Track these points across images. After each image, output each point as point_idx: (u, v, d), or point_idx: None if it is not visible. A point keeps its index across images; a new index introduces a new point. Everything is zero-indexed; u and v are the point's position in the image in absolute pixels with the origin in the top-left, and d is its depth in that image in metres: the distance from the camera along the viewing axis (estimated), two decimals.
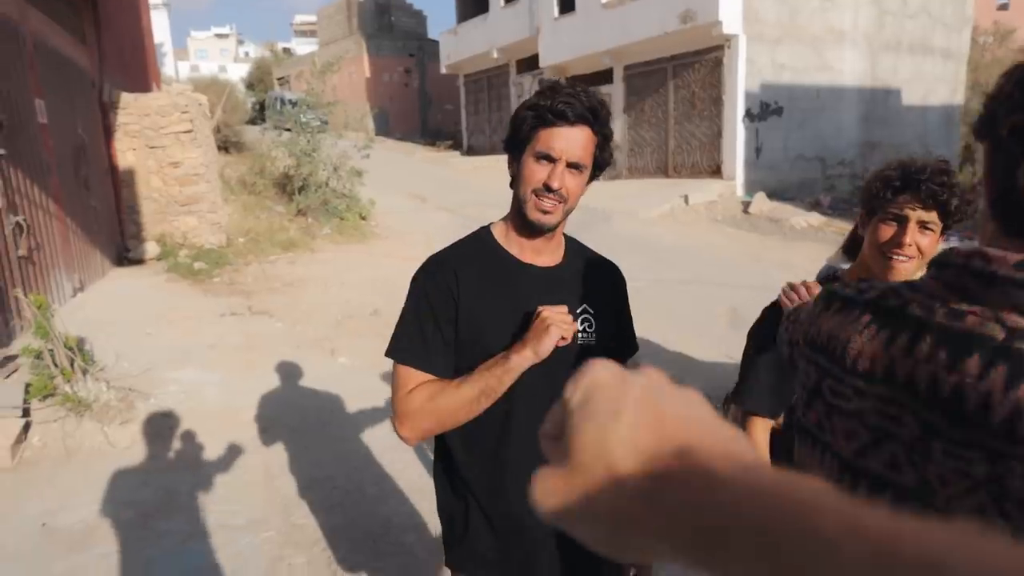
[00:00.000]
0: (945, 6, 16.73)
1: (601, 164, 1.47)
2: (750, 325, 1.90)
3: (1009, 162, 0.70)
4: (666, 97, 15.72)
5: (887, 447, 0.75)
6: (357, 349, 5.88)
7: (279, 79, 38.35)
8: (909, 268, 1.56)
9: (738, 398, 1.82)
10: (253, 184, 12.23)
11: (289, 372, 5.33)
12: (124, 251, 8.86)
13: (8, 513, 3.38)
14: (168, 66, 25.13)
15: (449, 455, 1.53)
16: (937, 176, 1.51)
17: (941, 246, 1.32)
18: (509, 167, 1.50)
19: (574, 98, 1.37)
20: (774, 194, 13.54)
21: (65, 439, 3.97)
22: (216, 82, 21.99)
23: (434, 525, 3.21)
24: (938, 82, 17.00)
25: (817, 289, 1.73)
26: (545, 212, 1.42)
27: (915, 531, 0.31)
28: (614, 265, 1.66)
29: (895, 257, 1.56)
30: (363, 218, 11.93)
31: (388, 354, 1.47)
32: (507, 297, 1.46)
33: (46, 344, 4.14)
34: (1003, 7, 33.97)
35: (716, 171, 14.74)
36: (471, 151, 23.95)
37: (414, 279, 1.49)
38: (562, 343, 1.36)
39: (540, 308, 1.38)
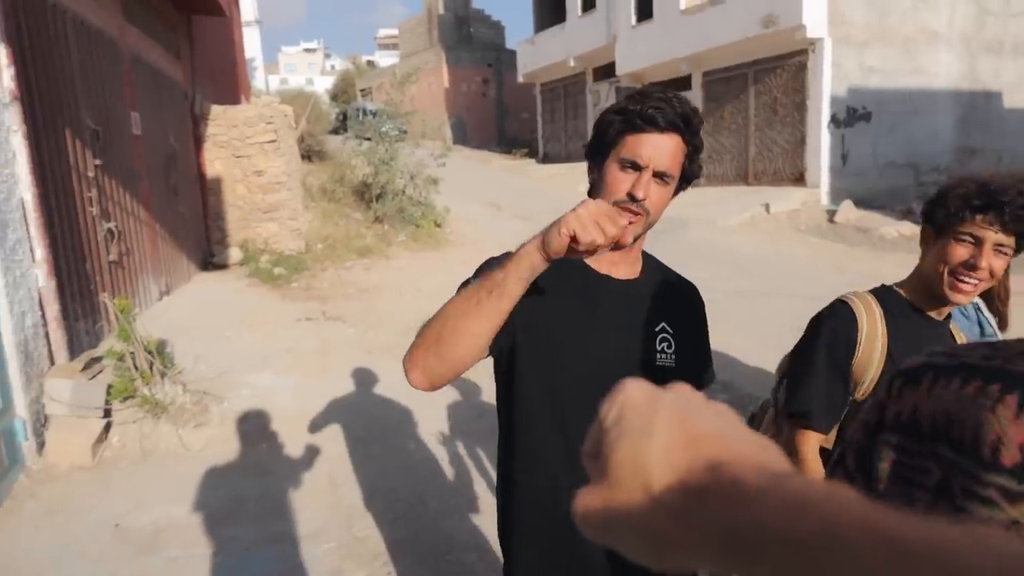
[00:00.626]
0: None
1: (689, 176, 1.36)
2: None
3: None
4: (746, 103, 15.40)
5: None
6: None
7: (362, 90, 39.52)
8: (976, 291, 1.50)
9: (796, 411, 1.66)
10: (333, 192, 12.56)
11: (360, 378, 5.35)
12: (209, 256, 9.21)
13: (85, 511, 3.49)
14: (259, 79, 26.24)
15: (511, 478, 1.44)
16: (1021, 198, 1.40)
17: None
18: (589, 173, 1.40)
19: (666, 104, 1.27)
20: (862, 202, 12.92)
21: (142, 440, 4.09)
22: (302, 94, 22.81)
23: (496, 546, 3.10)
24: None
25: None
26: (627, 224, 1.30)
27: (930, 529, 0.32)
28: (694, 286, 1.55)
29: (966, 280, 1.48)
30: (438, 225, 12.04)
31: None
32: (584, 308, 1.37)
33: (127, 347, 4.29)
34: None
35: (799, 179, 14.28)
36: (547, 159, 24.01)
37: None
38: (577, 248, 1.10)
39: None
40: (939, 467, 0.65)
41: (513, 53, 28.44)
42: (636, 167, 1.29)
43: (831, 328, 1.63)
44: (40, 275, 4.16)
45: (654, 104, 1.26)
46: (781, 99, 14.55)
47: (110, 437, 4.11)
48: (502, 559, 1.51)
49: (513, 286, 1.13)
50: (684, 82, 16.70)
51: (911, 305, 1.62)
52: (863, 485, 0.74)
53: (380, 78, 35.66)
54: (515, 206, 14.96)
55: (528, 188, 17.91)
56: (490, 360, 1.38)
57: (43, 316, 4.13)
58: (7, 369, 3.72)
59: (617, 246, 1.22)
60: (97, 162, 5.56)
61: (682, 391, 0.44)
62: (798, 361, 1.72)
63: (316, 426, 4.51)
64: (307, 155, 15.16)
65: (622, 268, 1.42)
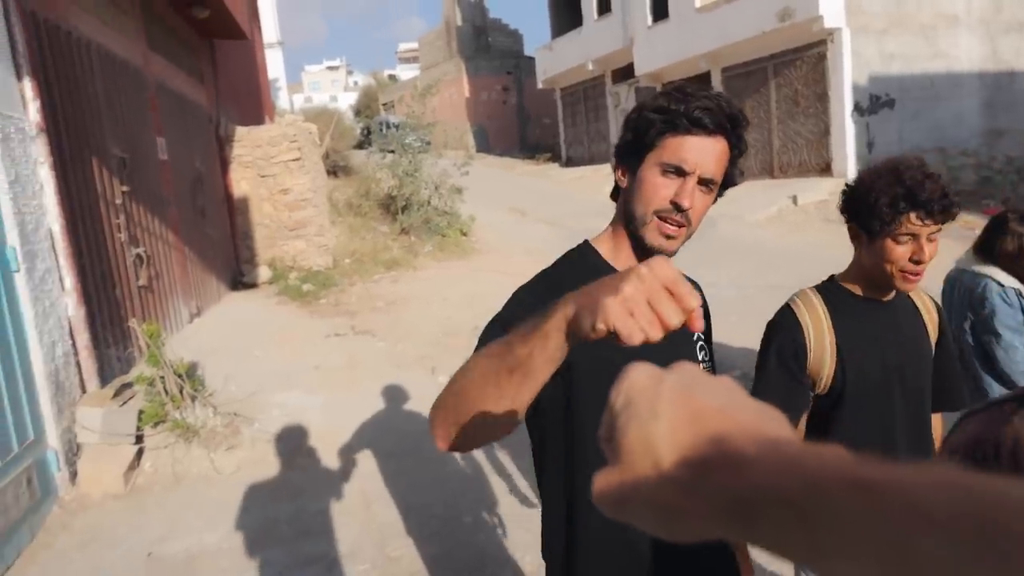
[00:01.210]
0: None
1: (729, 182, 1.24)
2: None
3: None
4: (767, 97, 15.30)
5: None
6: (457, 367, 5.82)
7: (384, 104, 39.89)
8: (922, 276, 1.61)
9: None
10: (359, 206, 12.64)
11: (389, 393, 5.33)
12: (239, 276, 9.30)
13: (118, 540, 3.50)
14: (283, 99, 26.63)
15: (575, 520, 1.28)
16: (940, 191, 1.52)
17: None
18: (620, 175, 1.27)
19: (713, 104, 1.15)
20: None
21: (174, 465, 4.11)
22: (326, 111, 23.02)
23: (529, 560, 3.04)
24: None
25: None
26: (669, 237, 1.20)
27: (899, 473, 0.33)
28: (699, 286, 1.47)
29: (915, 273, 1.59)
30: (464, 234, 12.05)
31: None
32: None
33: (157, 371, 4.32)
34: None
35: (826, 169, 14.11)
36: (570, 162, 24.00)
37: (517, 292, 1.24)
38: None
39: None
40: None
41: (532, 60, 28.49)
42: (680, 172, 1.17)
43: (779, 338, 1.73)
44: (70, 304, 4.21)
45: (700, 104, 1.15)
46: (802, 91, 14.47)
47: (142, 463, 4.13)
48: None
49: (540, 368, 0.84)
50: (703, 79, 16.56)
51: (854, 296, 1.72)
52: None
53: (402, 91, 35.97)
54: (540, 211, 14.91)
55: (552, 192, 17.85)
56: None
57: (73, 344, 4.17)
58: (38, 400, 3.75)
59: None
60: (124, 189, 5.63)
61: (685, 369, 0.46)
62: (756, 370, 1.79)
63: (347, 443, 4.49)
64: (332, 171, 15.30)
65: None
